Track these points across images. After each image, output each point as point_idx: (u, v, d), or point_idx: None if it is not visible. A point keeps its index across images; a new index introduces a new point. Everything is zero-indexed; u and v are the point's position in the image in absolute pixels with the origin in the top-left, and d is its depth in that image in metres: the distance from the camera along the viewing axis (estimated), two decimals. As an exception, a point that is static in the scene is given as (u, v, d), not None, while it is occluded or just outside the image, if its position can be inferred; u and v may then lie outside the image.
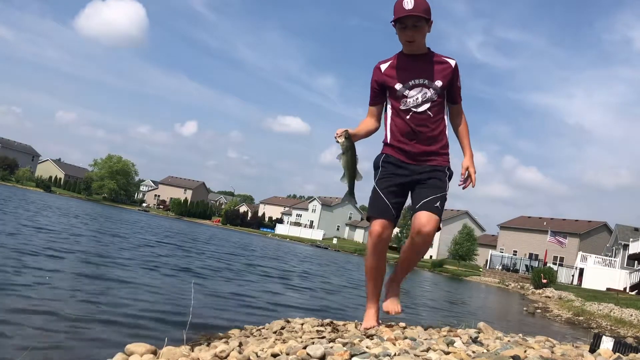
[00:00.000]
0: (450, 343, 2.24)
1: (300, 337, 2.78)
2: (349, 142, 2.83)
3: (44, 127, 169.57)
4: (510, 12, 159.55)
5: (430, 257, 59.95)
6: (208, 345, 2.87)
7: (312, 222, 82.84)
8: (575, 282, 35.68)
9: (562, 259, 47.67)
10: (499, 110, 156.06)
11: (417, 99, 2.86)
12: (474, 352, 2.11)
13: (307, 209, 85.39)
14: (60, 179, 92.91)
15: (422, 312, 9.07)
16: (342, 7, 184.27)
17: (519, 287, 29.07)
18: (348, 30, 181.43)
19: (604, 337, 2.40)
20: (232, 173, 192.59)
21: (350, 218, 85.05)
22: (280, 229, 78.06)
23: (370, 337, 2.48)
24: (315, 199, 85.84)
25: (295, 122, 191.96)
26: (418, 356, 2.00)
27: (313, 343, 2.28)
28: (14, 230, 10.41)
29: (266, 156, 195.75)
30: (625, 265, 34.95)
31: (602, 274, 33.53)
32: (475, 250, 54.08)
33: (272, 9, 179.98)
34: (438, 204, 2.83)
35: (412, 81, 2.87)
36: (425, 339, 2.40)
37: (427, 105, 2.86)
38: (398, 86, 2.88)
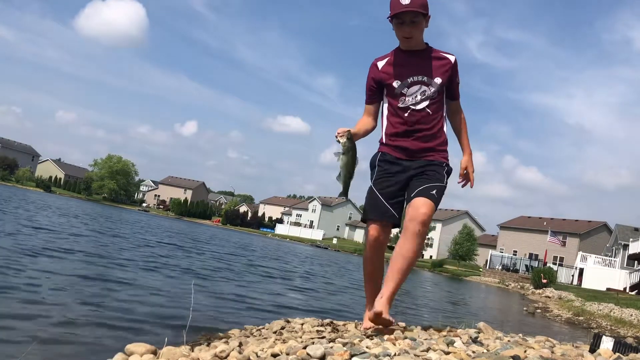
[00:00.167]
0: (450, 343, 2.24)
1: (300, 337, 2.78)
2: (351, 142, 2.75)
3: (44, 127, 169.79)
4: (510, 12, 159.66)
5: (430, 257, 60.01)
6: (208, 345, 2.87)
7: (312, 222, 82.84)
8: (575, 282, 35.68)
9: (562, 259, 47.68)
10: (499, 110, 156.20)
11: (415, 96, 2.79)
12: (474, 352, 2.11)
13: (307, 209, 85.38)
14: (60, 179, 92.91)
15: (423, 312, 9.07)
16: (342, 7, 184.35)
17: (519, 287, 29.07)
18: (348, 30, 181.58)
19: (604, 337, 2.40)
20: (232, 173, 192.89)
21: (350, 218, 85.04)
22: (280, 229, 78.06)
23: (370, 337, 2.48)
24: (315, 199, 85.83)
25: (295, 122, 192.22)
26: (418, 356, 2.00)
27: (313, 343, 2.28)
28: (14, 230, 10.41)
29: (266, 156, 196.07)
30: (625, 265, 34.95)
31: (602, 274, 33.54)
32: (475, 250, 54.08)
33: (272, 9, 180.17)
34: (435, 191, 2.72)
35: (411, 78, 2.80)
36: (425, 339, 2.40)
37: (426, 103, 2.80)
38: (396, 84, 2.80)
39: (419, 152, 2.82)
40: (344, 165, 2.77)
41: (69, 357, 3.12)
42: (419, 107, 2.79)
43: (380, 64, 2.87)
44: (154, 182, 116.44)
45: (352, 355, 1.97)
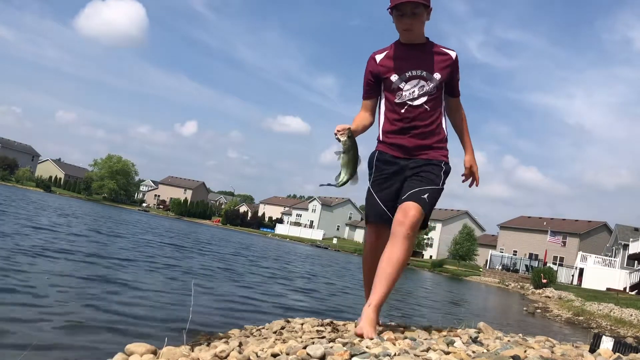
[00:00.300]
0: (450, 343, 2.24)
1: (300, 337, 2.78)
2: (352, 140, 2.64)
3: (44, 127, 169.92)
4: (510, 12, 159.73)
5: (430, 257, 60.01)
6: (208, 345, 2.86)
7: (312, 222, 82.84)
8: (575, 282, 35.68)
9: (562, 259, 47.69)
10: (499, 110, 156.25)
11: (413, 92, 2.69)
12: (474, 352, 2.11)
13: (307, 209, 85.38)
14: (60, 179, 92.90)
15: (423, 312, 9.07)
16: (342, 7, 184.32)
17: (519, 287, 29.08)
18: (348, 30, 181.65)
19: (603, 337, 2.40)
20: (232, 173, 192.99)
21: (350, 218, 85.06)
22: (280, 229, 78.06)
23: (370, 337, 2.48)
24: (315, 199, 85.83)
25: (295, 122, 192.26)
26: (418, 356, 2.00)
27: (313, 343, 2.28)
28: (13, 230, 10.41)
29: (266, 156, 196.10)
30: (625, 265, 34.97)
31: (602, 274, 33.55)
32: (475, 250, 54.10)
33: (272, 9, 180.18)
34: (426, 195, 2.61)
35: (409, 72, 2.70)
36: (425, 339, 2.40)
37: (424, 99, 2.70)
38: (394, 78, 2.71)
39: (416, 149, 2.72)
40: (345, 164, 2.65)
41: (69, 357, 3.12)
42: (416, 103, 2.70)
43: (379, 57, 2.77)
44: (154, 182, 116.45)
45: (352, 355, 1.97)
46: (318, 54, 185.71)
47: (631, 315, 12.84)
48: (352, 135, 2.64)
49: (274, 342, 2.57)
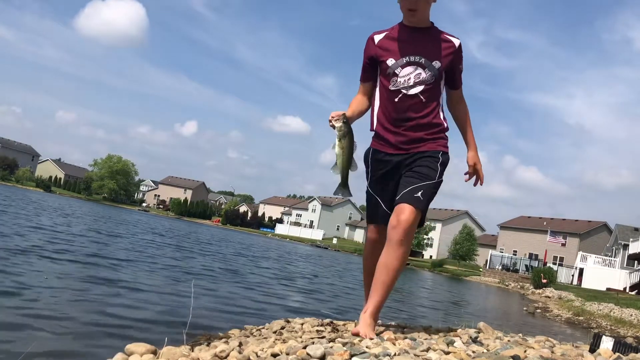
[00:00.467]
0: (450, 343, 2.24)
1: (300, 337, 2.78)
2: (347, 126, 2.50)
3: (44, 127, 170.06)
4: (510, 12, 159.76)
5: (430, 257, 59.99)
6: (208, 345, 2.86)
7: (312, 222, 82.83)
8: (575, 282, 35.67)
9: (562, 259, 47.68)
10: (499, 110, 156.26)
11: (408, 79, 2.52)
12: (474, 352, 2.11)
13: (307, 209, 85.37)
14: (60, 179, 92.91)
15: (423, 312, 9.07)
16: (342, 7, 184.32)
17: (519, 287, 29.08)
18: (348, 30, 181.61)
19: (603, 337, 2.39)
20: (232, 173, 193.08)
21: (350, 218, 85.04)
22: (280, 229, 78.05)
23: (370, 337, 2.48)
24: (315, 199, 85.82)
25: (295, 122, 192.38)
26: (418, 356, 1.99)
27: (313, 343, 2.28)
28: (13, 230, 10.41)
29: (266, 156, 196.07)
30: (625, 265, 34.96)
31: (602, 274, 33.54)
32: (475, 250, 54.10)
33: (272, 9, 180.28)
34: (420, 193, 2.47)
35: (407, 58, 2.53)
36: (425, 339, 2.40)
37: (419, 88, 2.53)
38: (390, 62, 2.55)
39: (410, 142, 2.58)
40: (340, 152, 2.52)
41: (70, 357, 3.12)
42: (411, 92, 2.53)
43: (377, 38, 2.62)
44: (154, 182, 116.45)
45: (352, 355, 1.97)
46: (318, 54, 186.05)
47: (631, 315, 12.84)
48: (347, 121, 2.52)
49: (274, 342, 2.57)
